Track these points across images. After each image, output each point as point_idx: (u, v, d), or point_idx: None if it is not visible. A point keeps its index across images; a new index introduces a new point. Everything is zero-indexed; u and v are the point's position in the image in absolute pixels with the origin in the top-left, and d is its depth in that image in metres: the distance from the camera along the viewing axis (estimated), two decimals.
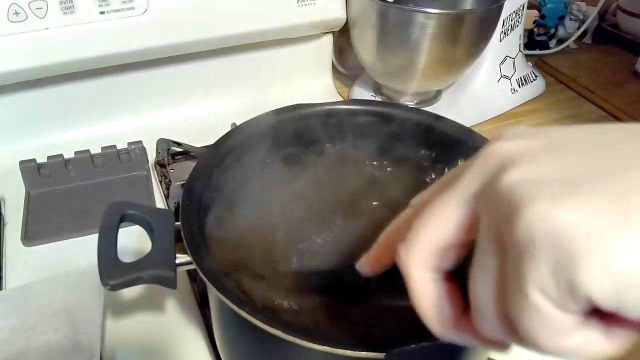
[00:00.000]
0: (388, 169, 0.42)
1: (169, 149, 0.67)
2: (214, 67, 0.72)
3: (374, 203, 0.39)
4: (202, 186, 0.37)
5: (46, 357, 0.44)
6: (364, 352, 0.27)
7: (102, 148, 0.65)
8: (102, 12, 0.61)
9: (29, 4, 0.58)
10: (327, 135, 0.43)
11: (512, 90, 0.84)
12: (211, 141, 0.67)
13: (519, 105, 0.84)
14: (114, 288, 0.32)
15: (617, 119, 0.82)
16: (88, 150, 0.64)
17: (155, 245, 0.34)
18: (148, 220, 0.36)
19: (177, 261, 0.34)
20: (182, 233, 0.33)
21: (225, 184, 0.39)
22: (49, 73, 0.62)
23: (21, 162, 0.62)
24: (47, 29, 0.59)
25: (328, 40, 0.79)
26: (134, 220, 0.36)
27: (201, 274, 0.31)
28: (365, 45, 0.75)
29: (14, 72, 0.60)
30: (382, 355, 0.27)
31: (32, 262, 0.55)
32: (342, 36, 0.80)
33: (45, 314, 0.45)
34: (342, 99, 0.82)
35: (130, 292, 0.52)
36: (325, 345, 0.27)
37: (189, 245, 0.32)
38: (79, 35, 0.60)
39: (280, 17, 0.69)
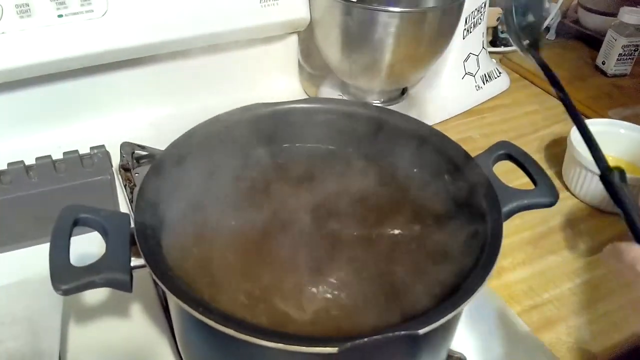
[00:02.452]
0: (344, 163, 0.43)
1: (133, 152, 0.66)
2: (178, 69, 0.72)
3: (329, 197, 0.39)
4: (157, 187, 0.36)
5: None
6: (317, 348, 0.27)
7: (64, 153, 0.64)
8: (60, 15, 0.60)
9: None
10: (284, 133, 0.43)
11: (477, 87, 0.85)
12: None
13: (484, 102, 0.86)
14: (66, 293, 0.31)
15: (580, 111, 0.84)
16: (50, 156, 0.63)
17: (110, 248, 0.34)
18: (102, 223, 0.35)
19: (132, 264, 0.34)
20: (135, 235, 0.32)
21: (180, 185, 0.39)
22: (6, 78, 0.61)
23: None
24: (3, 33, 0.58)
25: (293, 40, 0.79)
26: (87, 224, 0.36)
27: (154, 277, 0.31)
28: (330, 45, 0.75)
29: None
30: (334, 349, 0.27)
31: None
32: (309, 36, 0.80)
33: (5, 322, 0.44)
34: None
35: (93, 298, 0.51)
36: (279, 343, 0.27)
37: (142, 247, 0.32)
38: (37, 39, 0.59)
39: (244, 18, 0.69)
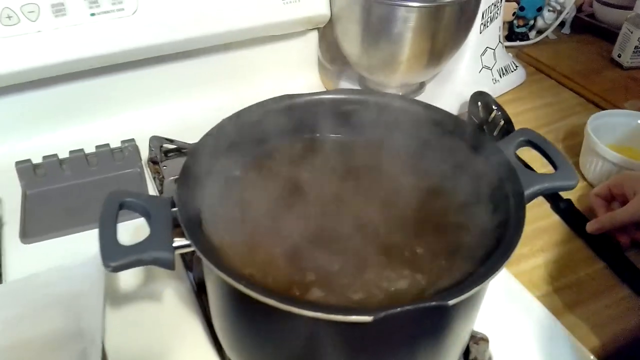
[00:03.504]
0: (377, 153, 0.45)
1: (162, 146, 0.69)
2: (204, 65, 0.74)
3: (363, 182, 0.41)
4: (197, 171, 0.39)
5: (49, 345, 0.45)
6: (354, 317, 0.29)
7: (96, 147, 0.66)
8: (92, 14, 0.62)
9: (21, 7, 0.59)
10: (317, 123, 0.45)
11: (494, 80, 0.86)
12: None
13: (501, 95, 0.87)
14: (116, 269, 0.34)
15: (595, 104, 0.85)
16: (82, 150, 0.66)
17: (153, 229, 0.36)
18: (145, 207, 0.38)
19: (174, 244, 0.36)
20: (178, 215, 0.35)
21: (216, 170, 0.41)
22: (41, 75, 0.63)
23: (17, 163, 0.64)
24: (39, 31, 0.61)
25: (314, 36, 0.81)
26: (132, 208, 0.38)
27: (199, 253, 0.33)
28: (349, 40, 0.77)
29: (8, 74, 0.61)
30: (369, 318, 0.29)
31: (31, 259, 0.56)
32: (328, 32, 0.82)
33: (47, 304, 0.47)
34: None
35: (128, 283, 0.53)
36: (319, 312, 0.29)
37: (186, 226, 0.34)
38: (71, 37, 0.62)
39: (267, 15, 0.71)
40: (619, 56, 0.93)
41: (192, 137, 0.69)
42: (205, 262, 0.32)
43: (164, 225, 0.36)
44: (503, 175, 0.39)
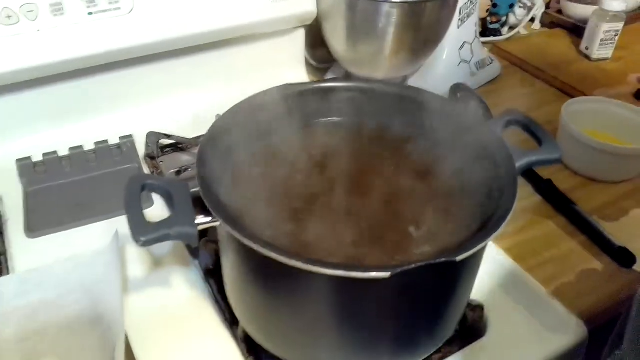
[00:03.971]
0: (376, 131, 0.48)
1: (158, 141, 0.71)
2: (196, 63, 0.76)
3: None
4: (211, 153, 0.41)
5: (68, 330, 0.47)
6: (373, 273, 0.32)
7: (95, 144, 0.68)
8: (90, 13, 0.64)
9: (20, 7, 0.61)
10: (319, 108, 0.48)
11: (472, 74, 0.91)
12: (197, 132, 0.72)
13: (478, 87, 0.91)
14: (145, 244, 0.36)
15: (567, 94, 0.90)
16: (81, 147, 0.68)
17: (177, 208, 0.38)
18: (167, 188, 0.40)
19: (196, 221, 0.38)
20: (201, 193, 0.37)
21: (231, 149, 0.43)
22: (40, 73, 0.65)
23: (18, 161, 0.65)
24: (38, 30, 0.62)
25: (301, 34, 0.84)
26: (153, 189, 0.41)
27: (224, 223, 0.35)
28: (335, 36, 0.80)
29: (7, 73, 0.62)
30: (387, 274, 0.32)
31: (37, 252, 0.57)
32: (313, 30, 0.85)
33: (64, 291, 0.48)
34: None
35: (138, 273, 0.55)
36: (340, 270, 0.32)
37: (210, 202, 0.37)
38: (69, 36, 0.63)
39: (257, 13, 0.74)
40: (587, 49, 0.99)
41: (187, 131, 0.73)
42: (230, 231, 0.35)
43: (185, 203, 0.39)
44: (495, 150, 0.43)
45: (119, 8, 0.65)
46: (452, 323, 0.43)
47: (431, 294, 0.37)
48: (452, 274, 0.36)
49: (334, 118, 0.50)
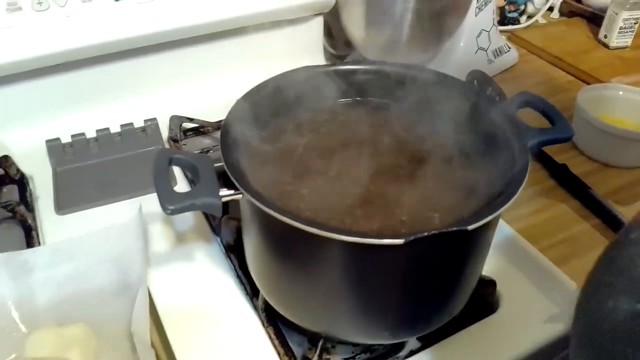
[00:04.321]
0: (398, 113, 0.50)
1: (181, 125, 0.73)
2: (218, 49, 0.78)
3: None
4: (234, 131, 0.43)
5: (98, 297, 0.50)
6: (388, 240, 0.34)
7: (121, 126, 0.70)
8: (117, 0, 0.66)
9: None
10: (336, 89, 0.50)
11: (489, 61, 0.91)
12: (218, 116, 0.74)
13: (495, 75, 0.92)
14: (173, 212, 0.38)
15: (584, 82, 0.90)
16: (108, 129, 0.70)
17: (201, 180, 0.41)
18: (192, 162, 0.42)
19: (220, 194, 0.40)
20: (225, 167, 0.39)
21: (251, 129, 0.45)
22: (69, 58, 0.67)
23: (47, 141, 0.68)
24: (67, 16, 0.65)
25: (319, 21, 0.86)
26: (179, 163, 0.43)
27: (247, 195, 0.37)
28: (354, 24, 0.81)
29: (38, 58, 0.65)
30: (401, 241, 0.34)
31: (66, 228, 0.60)
32: (331, 18, 0.86)
33: (95, 261, 0.51)
34: None
35: (163, 247, 0.58)
36: (357, 237, 0.34)
37: (232, 173, 0.39)
38: (97, 22, 0.66)
39: (276, 1, 0.76)
40: (605, 37, 0.99)
41: (208, 115, 0.75)
42: (253, 201, 0.37)
43: (210, 176, 0.41)
44: (509, 128, 0.44)
45: None
46: (464, 295, 0.45)
47: (443, 264, 0.39)
48: (464, 244, 0.38)
49: (354, 98, 0.52)
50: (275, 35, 0.83)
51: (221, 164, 0.41)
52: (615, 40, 0.98)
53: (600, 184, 0.69)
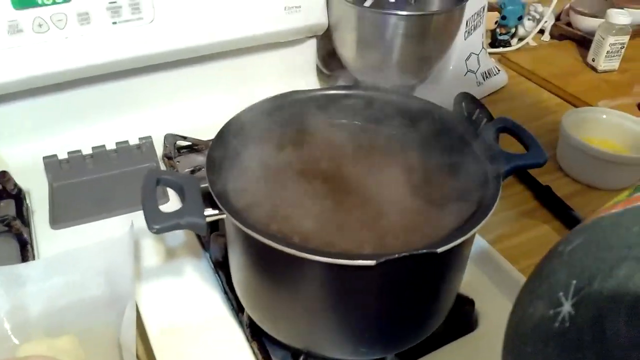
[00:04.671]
0: (373, 135, 0.52)
1: (175, 142, 0.75)
2: (213, 70, 0.81)
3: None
4: (220, 152, 0.45)
5: (88, 310, 0.52)
6: (359, 261, 0.36)
7: (116, 143, 0.73)
8: (114, 22, 0.69)
9: (50, 16, 0.66)
10: (321, 113, 0.52)
11: (478, 83, 0.94)
12: (211, 134, 0.76)
13: (484, 96, 0.94)
14: (159, 232, 0.40)
15: (571, 104, 0.92)
16: (104, 146, 0.72)
17: (187, 200, 0.42)
18: (179, 182, 0.44)
19: (205, 213, 0.42)
20: (210, 188, 0.41)
21: (238, 150, 0.47)
22: (68, 77, 0.70)
23: (44, 158, 0.70)
24: (66, 38, 0.67)
25: (312, 43, 0.88)
26: (167, 183, 0.45)
27: (229, 216, 0.39)
28: (346, 46, 0.84)
29: (37, 77, 0.67)
30: (373, 262, 0.35)
31: (61, 242, 0.62)
32: (325, 40, 0.89)
33: (87, 275, 0.53)
34: None
35: (153, 262, 0.60)
36: (330, 258, 0.36)
37: (218, 196, 0.40)
38: (95, 43, 0.68)
39: (271, 24, 0.78)
40: (593, 60, 1.01)
41: (202, 134, 0.77)
42: (234, 222, 0.39)
43: (195, 196, 0.43)
44: (484, 153, 0.46)
45: (142, 18, 0.70)
46: (440, 313, 0.46)
47: (416, 283, 0.41)
48: (436, 265, 0.40)
49: (338, 120, 0.54)
50: (269, 56, 0.85)
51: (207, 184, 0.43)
52: (603, 64, 1.00)
53: (583, 206, 0.70)
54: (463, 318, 0.52)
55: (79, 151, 0.71)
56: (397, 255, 0.36)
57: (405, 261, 0.36)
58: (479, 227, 0.39)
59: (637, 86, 0.96)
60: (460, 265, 0.45)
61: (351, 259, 0.36)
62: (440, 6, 0.89)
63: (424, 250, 0.36)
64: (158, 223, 0.40)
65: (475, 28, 0.90)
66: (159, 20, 0.71)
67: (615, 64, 1.00)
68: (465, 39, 0.90)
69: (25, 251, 0.59)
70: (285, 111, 0.52)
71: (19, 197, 0.67)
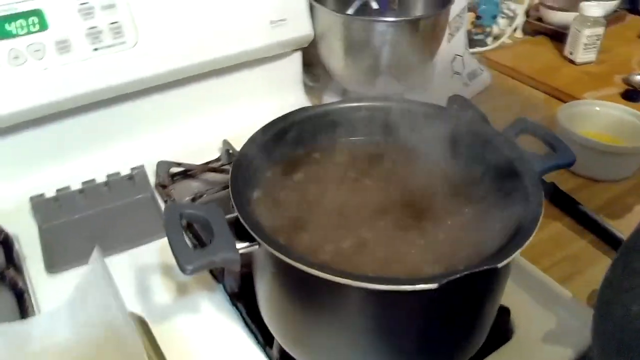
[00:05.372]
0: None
1: (169, 169, 0.72)
2: (200, 90, 0.77)
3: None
4: (242, 181, 0.42)
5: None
6: (421, 285, 0.33)
7: (107, 176, 0.68)
8: (95, 49, 0.65)
9: (27, 47, 0.61)
10: (339, 128, 0.50)
11: (465, 84, 0.93)
12: (205, 157, 0.73)
13: (472, 97, 0.94)
14: (192, 272, 0.37)
15: (557, 98, 0.93)
16: (94, 180, 0.68)
17: (216, 235, 0.39)
18: (204, 216, 0.41)
19: (237, 247, 0.39)
20: (243, 222, 0.38)
21: (257, 176, 0.45)
22: (50, 111, 0.65)
23: (32, 198, 0.65)
24: (45, 69, 0.63)
25: (298, 56, 0.86)
26: (191, 218, 0.41)
27: (271, 249, 0.36)
28: (333, 56, 0.82)
29: (16, 113, 0.63)
30: (435, 285, 0.33)
31: (59, 288, 0.57)
32: (310, 52, 0.86)
33: (89, 326, 0.49)
34: None
35: (165, 300, 0.56)
36: (389, 285, 0.33)
37: (251, 227, 0.38)
38: (76, 72, 0.64)
39: (257, 39, 0.76)
40: (571, 54, 1.02)
41: (194, 158, 0.73)
42: (275, 254, 0.36)
43: (224, 230, 0.40)
44: (515, 158, 0.45)
45: (124, 42, 0.66)
46: (487, 329, 0.45)
47: (469, 303, 0.39)
48: (491, 280, 0.38)
49: (357, 137, 0.52)
50: (255, 72, 0.82)
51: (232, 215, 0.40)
52: (581, 57, 1.01)
53: (589, 199, 0.70)
54: (500, 328, 0.51)
55: (68, 187, 0.67)
56: (459, 275, 0.34)
57: (465, 280, 0.34)
58: (532, 236, 0.37)
59: (617, 76, 0.97)
60: (507, 278, 0.43)
61: (412, 284, 0.33)
62: (423, 10, 0.88)
63: (486, 267, 0.34)
64: (191, 263, 0.37)
65: (457, 30, 0.90)
66: (143, 42, 0.67)
67: (592, 56, 1.01)
68: (449, 42, 0.89)
69: (22, 301, 0.55)
70: (301, 128, 0.49)
71: (7, 243, 0.62)
